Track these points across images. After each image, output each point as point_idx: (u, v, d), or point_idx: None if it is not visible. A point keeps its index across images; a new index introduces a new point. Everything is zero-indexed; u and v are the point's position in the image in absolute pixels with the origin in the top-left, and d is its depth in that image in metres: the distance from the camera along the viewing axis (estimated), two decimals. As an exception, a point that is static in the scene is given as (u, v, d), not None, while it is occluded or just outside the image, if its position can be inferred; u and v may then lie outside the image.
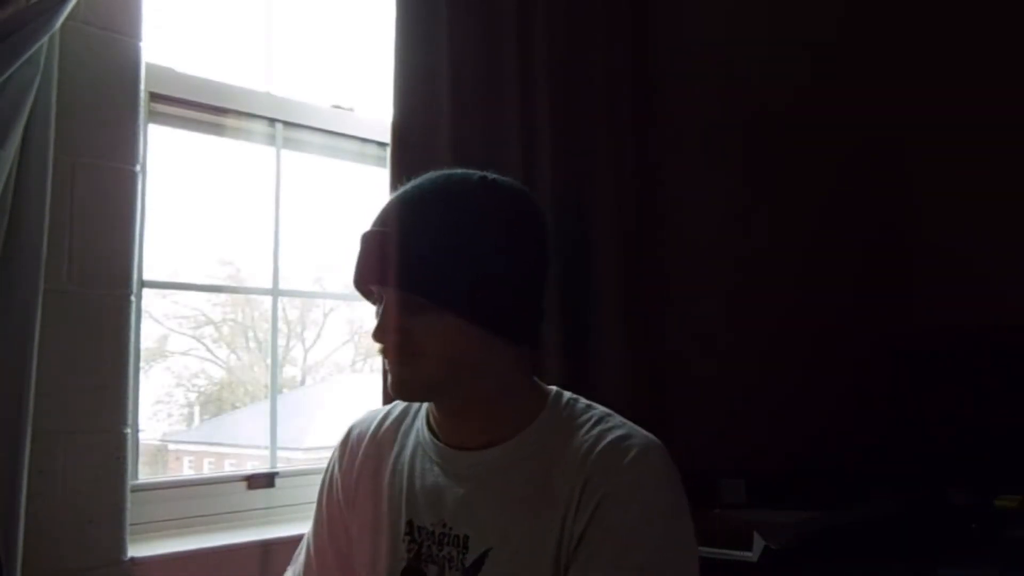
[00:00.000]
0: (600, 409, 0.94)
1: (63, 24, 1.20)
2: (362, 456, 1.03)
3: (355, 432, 1.06)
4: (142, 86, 1.39)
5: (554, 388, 0.98)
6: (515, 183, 0.96)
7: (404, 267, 0.87)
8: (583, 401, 0.96)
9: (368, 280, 0.91)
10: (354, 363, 2.41)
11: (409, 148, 1.58)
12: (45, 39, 1.17)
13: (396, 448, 1.01)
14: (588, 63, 1.89)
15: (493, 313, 0.88)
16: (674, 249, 2.04)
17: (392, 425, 1.04)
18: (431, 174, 0.94)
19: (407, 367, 0.89)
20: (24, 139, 1.16)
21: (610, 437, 0.88)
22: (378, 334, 0.89)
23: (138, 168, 1.37)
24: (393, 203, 0.91)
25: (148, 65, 1.42)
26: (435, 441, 0.97)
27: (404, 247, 0.87)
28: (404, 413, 1.05)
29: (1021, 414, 2.19)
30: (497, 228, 0.90)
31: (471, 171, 0.94)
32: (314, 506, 1.08)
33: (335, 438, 1.08)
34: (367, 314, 2.27)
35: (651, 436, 0.89)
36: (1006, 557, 1.62)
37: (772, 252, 2.26)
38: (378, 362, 1.56)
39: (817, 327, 2.30)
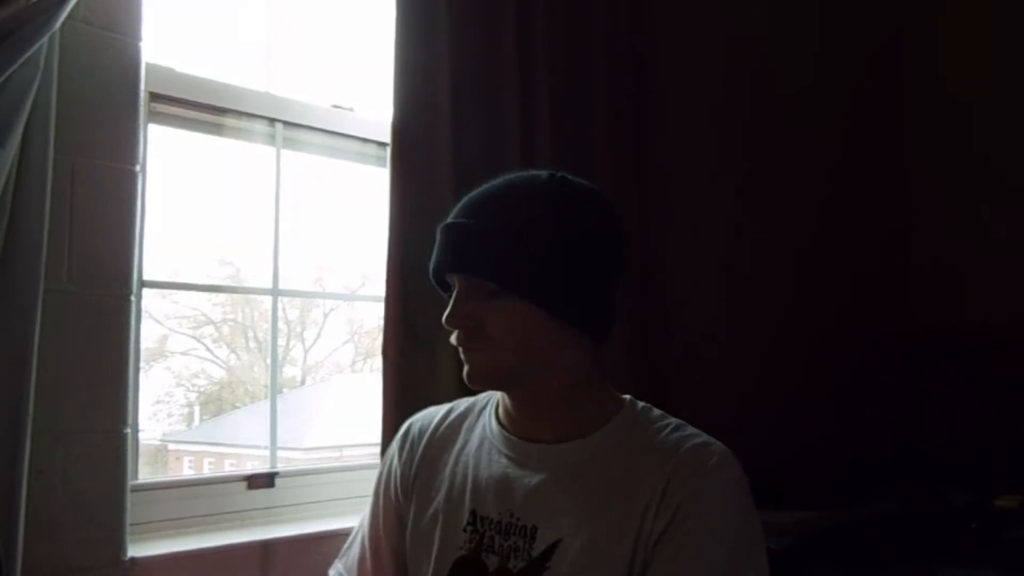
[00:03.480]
0: (675, 419, 0.97)
1: (63, 24, 1.19)
2: (423, 449, 1.04)
3: (416, 426, 1.08)
4: (142, 86, 1.39)
5: (628, 396, 1.01)
6: (588, 183, 0.99)
7: (475, 253, 0.91)
8: (657, 410, 0.99)
9: (444, 268, 0.94)
10: (354, 363, 2.40)
11: (409, 148, 1.58)
12: (45, 39, 1.16)
13: (460, 442, 1.03)
14: (588, 61, 1.89)
15: (561, 300, 0.90)
16: (674, 248, 2.04)
17: (455, 421, 1.06)
18: (508, 174, 0.98)
19: (476, 352, 0.92)
20: (24, 139, 1.16)
21: (692, 442, 0.92)
22: (450, 319, 0.92)
23: (138, 168, 1.37)
24: (469, 197, 0.96)
25: (148, 65, 1.42)
26: (504, 433, 0.99)
27: (476, 235, 0.91)
28: (468, 410, 1.06)
29: (1021, 414, 2.19)
30: (566, 219, 0.92)
31: (544, 170, 0.98)
32: (369, 500, 1.10)
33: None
34: (367, 314, 2.27)
35: (724, 445, 0.93)
36: (1006, 557, 1.62)
37: (773, 251, 2.26)
38: (378, 362, 1.56)
39: (817, 327, 2.30)
